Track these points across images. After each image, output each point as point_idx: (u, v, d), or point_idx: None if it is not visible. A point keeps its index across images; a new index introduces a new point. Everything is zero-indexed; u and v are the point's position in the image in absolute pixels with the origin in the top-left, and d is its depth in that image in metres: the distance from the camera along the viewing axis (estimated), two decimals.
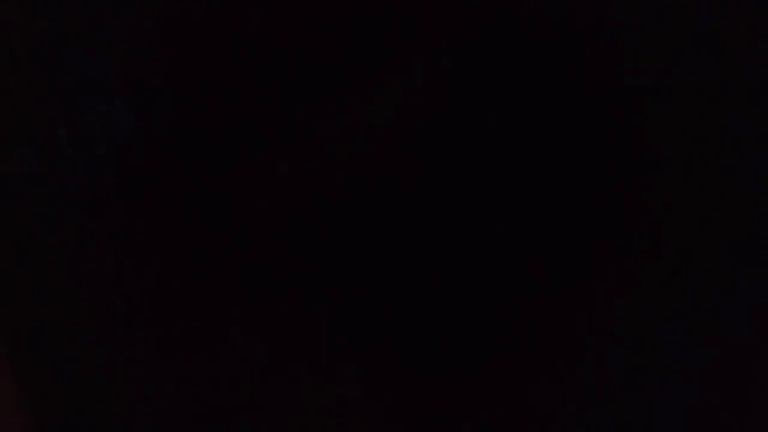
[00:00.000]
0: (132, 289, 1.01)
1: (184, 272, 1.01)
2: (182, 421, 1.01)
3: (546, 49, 1.05)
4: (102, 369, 1.01)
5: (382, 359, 1.04)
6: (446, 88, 1.04)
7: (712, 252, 1.06)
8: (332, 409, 1.04)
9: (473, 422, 1.05)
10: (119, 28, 1.00)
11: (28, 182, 0.98)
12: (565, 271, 1.05)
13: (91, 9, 1.00)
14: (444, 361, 1.06)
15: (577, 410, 1.05)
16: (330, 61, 1.03)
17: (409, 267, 1.05)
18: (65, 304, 1.01)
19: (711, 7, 1.05)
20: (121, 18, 1.01)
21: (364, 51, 1.03)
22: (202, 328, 1.01)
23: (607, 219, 1.06)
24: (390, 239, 1.04)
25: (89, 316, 1.01)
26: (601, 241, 1.06)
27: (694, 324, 1.05)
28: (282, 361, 1.03)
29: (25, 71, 0.99)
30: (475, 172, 1.05)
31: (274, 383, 1.02)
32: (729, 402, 1.05)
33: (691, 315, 1.05)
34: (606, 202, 1.06)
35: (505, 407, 1.05)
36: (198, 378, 1.02)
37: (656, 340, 1.05)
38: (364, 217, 1.04)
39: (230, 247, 1.01)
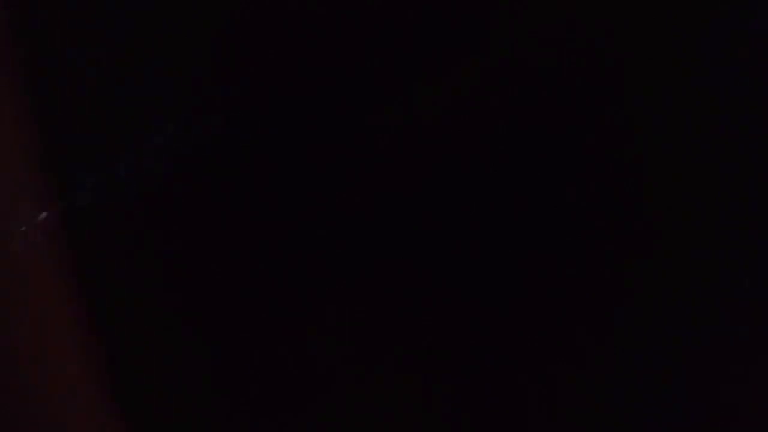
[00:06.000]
0: (193, 307, 1.05)
1: (243, 294, 1.05)
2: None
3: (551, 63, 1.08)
4: (176, 371, 1.04)
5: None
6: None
7: (710, 253, 1.08)
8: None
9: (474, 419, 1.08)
10: (168, 58, 1.03)
11: (92, 212, 1.02)
12: (570, 272, 1.08)
13: (140, 42, 1.03)
14: (448, 359, 1.08)
15: (577, 409, 1.07)
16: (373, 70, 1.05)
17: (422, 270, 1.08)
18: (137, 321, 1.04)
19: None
20: (170, 45, 1.04)
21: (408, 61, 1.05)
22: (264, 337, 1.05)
23: (611, 222, 1.08)
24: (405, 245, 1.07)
25: (158, 333, 1.04)
26: (604, 244, 1.08)
27: (693, 324, 1.08)
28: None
29: (81, 109, 1.02)
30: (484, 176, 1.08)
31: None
32: (727, 401, 1.07)
33: (690, 315, 1.08)
34: (611, 205, 1.08)
35: (506, 406, 1.08)
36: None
37: (656, 339, 1.08)
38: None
39: (280, 266, 1.05)
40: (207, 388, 1.04)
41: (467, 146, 1.07)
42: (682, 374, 1.07)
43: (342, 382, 1.06)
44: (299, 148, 1.06)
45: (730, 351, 1.07)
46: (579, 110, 1.08)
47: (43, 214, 0.97)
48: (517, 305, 1.08)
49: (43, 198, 0.98)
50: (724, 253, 1.08)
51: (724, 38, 1.07)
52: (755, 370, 1.07)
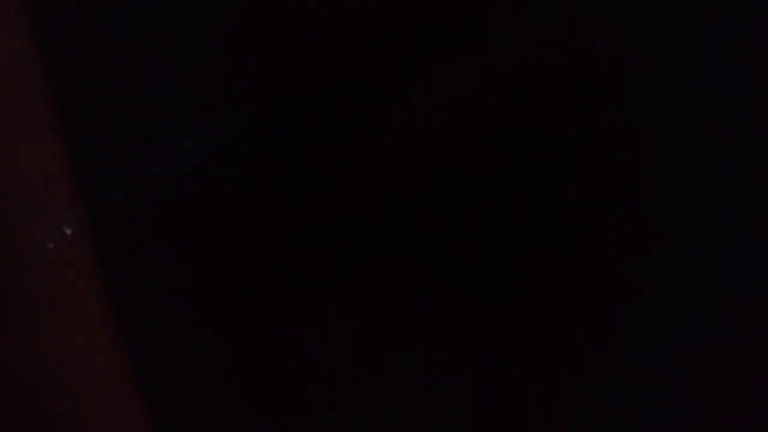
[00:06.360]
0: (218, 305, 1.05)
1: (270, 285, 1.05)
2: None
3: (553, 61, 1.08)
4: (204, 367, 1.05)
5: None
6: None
7: (710, 253, 1.08)
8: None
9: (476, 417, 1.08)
10: (187, 51, 1.03)
11: (120, 210, 1.02)
12: (570, 272, 1.08)
13: (157, 34, 1.03)
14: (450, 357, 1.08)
15: (577, 409, 1.08)
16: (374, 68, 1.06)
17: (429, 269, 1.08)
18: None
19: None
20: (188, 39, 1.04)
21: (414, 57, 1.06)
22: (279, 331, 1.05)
23: (611, 222, 1.08)
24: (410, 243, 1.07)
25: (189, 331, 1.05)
26: (604, 244, 1.08)
27: (693, 324, 1.08)
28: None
29: (108, 108, 1.02)
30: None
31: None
32: (727, 401, 1.08)
33: (690, 315, 1.08)
34: (611, 205, 1.08)
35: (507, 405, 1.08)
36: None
37: (656, 339, 1.08)
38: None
39: (305, 258, 1.05)
40: (206, 388, 1.05)
41: (467, 146, 1.08)
42: (683, 374, 1.07)
43: (342, 382, 1.06)
44: (299, 147, 1.06)
45: (730, 351, 1.07)
46: (579, 110, 1.08)
47: (72, 214, 0.97)
48: (517, 305, 1.08)
49: (72, 197, 0.98)
50: (724, 253, 1.08)
51: (724, 38, 1.07)
52: (755, 370, 1.07)
